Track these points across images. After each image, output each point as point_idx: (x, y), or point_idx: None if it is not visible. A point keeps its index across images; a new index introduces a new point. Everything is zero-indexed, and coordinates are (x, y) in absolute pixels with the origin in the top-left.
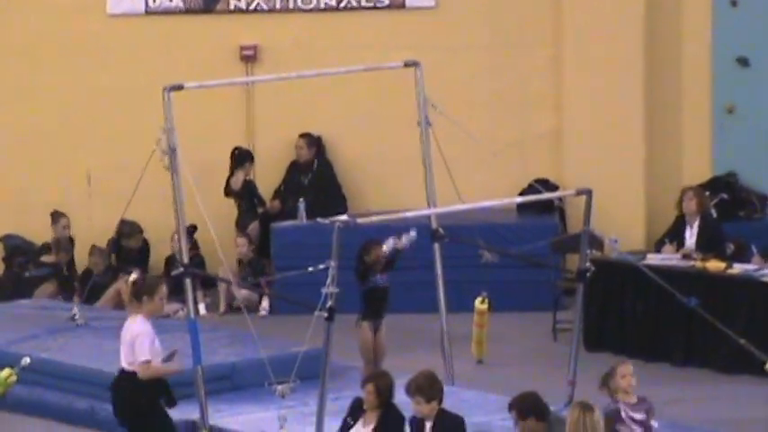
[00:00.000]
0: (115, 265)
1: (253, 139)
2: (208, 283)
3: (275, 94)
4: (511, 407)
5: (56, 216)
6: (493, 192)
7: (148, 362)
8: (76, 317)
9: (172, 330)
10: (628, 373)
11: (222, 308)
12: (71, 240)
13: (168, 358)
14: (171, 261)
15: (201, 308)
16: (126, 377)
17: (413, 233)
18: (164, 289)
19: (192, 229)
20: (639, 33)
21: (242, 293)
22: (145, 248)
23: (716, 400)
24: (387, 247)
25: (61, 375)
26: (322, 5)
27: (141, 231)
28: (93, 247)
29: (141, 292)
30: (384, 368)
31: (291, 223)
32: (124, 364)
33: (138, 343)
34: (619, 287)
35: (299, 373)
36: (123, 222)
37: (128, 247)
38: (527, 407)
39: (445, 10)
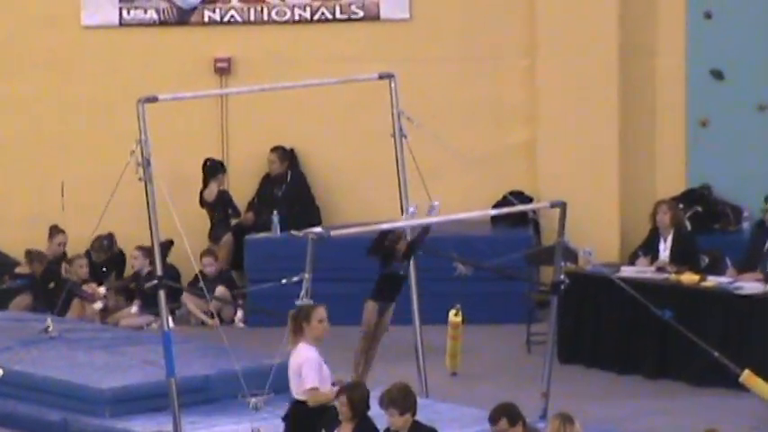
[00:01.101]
0: (88, 278)
1: (226, 151)
2: (176, 297)
3: (249, 106)
4: (497, 417)
5: (53, 232)
6: (467, 203)
7: (316, 388)
8: (50, 329)
9: (145, 342)
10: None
11: (193, 321)
12: (64, 256)
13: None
14: (137, 276)
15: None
16: (298, 406)
17: (436, 203)
18: (321, 311)
19: (168, 245)
20: (614, 45)
21: (214, 305)
22: (120, 258)
23: (690, 413)
24: (406, 216)
25: (34, 387)
26: (296, 17)
27: (114, 244)
28: (69, 258)
29: (299, 321)
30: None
31: (265, 235)
32: (294, 394)
33: (305, 370)
34: (593, 299)
35: (273, 385)
36: (97, 238)
37: (101, 260)
38: (516, 413)
39: (419, 22)
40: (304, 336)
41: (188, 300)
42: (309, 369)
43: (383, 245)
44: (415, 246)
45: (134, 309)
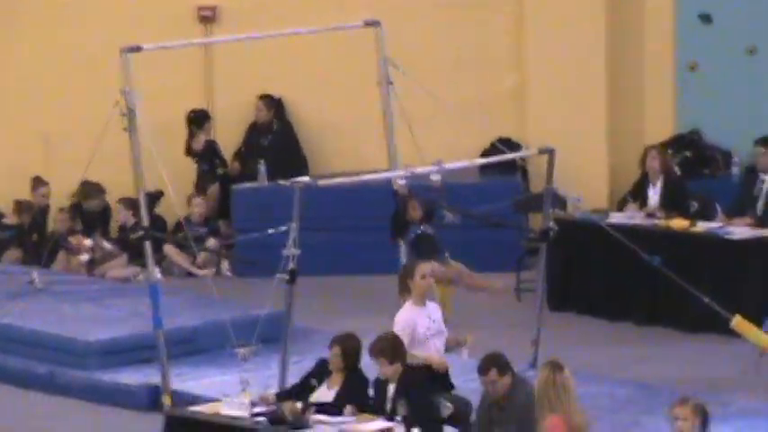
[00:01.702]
0: (79, 228)
1: (212, 101)
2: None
3: (234, 55)
4: (486, 368)
5: (36, 183)
6: (455, 151)
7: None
8: (35, 282)
9: (132, 295)
10: (681, 416)
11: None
12: (48, 208)
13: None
14: (122, 228)
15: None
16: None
17: (438, 168)
18: (424, 267)
19: (158, 195)
20: None
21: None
22: (106, 210)
23: (681, 360)
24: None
25: (20, 340)
26: None
27: (103, 192)
28: (56, 209)
29: (404, 278)
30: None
31: (252, 185)
32: None
33: (398, 331)
34: (582, 246)
35: (261, 336)
36: (84, 184)
37: (89, 209)
38: (505, 363)
39: None
40: (410, 293)
41: (171, 251)
42: (402, 331)
43: (403, 223)
44: (432, 208)
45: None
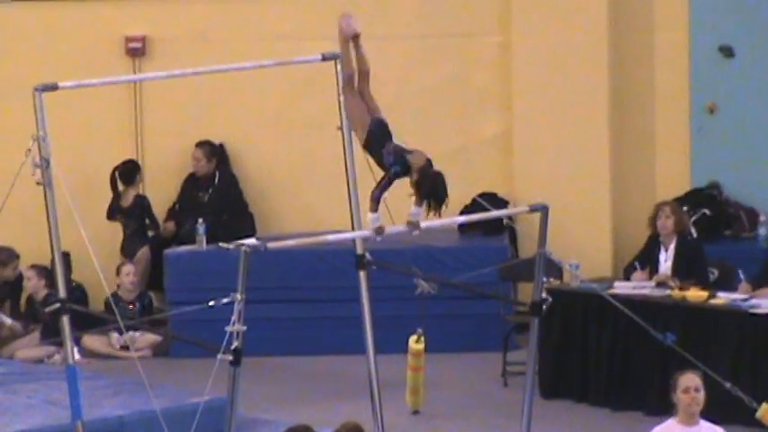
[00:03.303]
0: None
1: (141, 148)
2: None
3: (167, 93)
4: None
5: None
6: None
7: None
8: None
9: (46, 379)
10: (692, 385)
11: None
12: None
13: None
14: (30, 300)
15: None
16: None
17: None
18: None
19: (64, 257)
20: (604, 17)
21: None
22: (18, 281)
23: None
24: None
25: None
26: None
27: (17, 258)
28: None
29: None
30: (304, 421)
31: (189, 248)
32: None
33: None
34: (581, 321)
35: (200, 428)
36: None
37: (1, 278)
38: None
39: None
40: None
41: (89, 340)
42: None
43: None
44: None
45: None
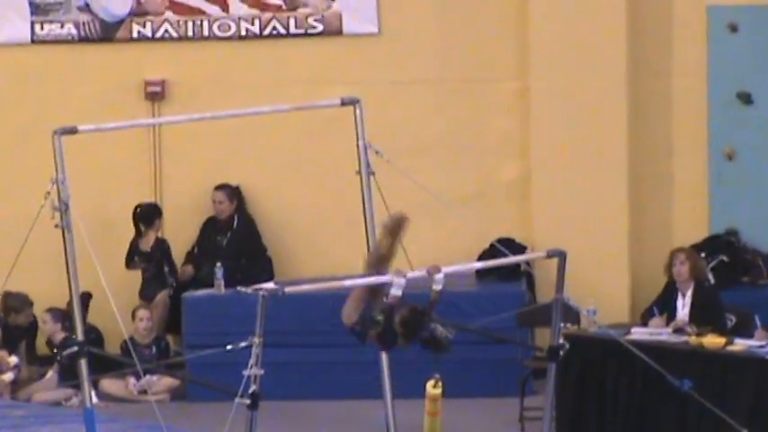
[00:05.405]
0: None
1: (160, 192)
2: (100, 365)
3: (186, 137)
4: None
5: None
6: (448, 254)
7: None
8: None
9: (64, 422)
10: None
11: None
12: None
13: None
14: (50, 342)
15: (93, 395)
16: None
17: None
18: None
19: (86, 298)
20: (622, 63)
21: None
22: (33, 325)
23: None
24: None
25: None
26: (242, 32)
27: (31, 305)
28: None
29: None
30: None
31: (207, 292)
32: None
33: None
34: (598, 367)
35: None
36: (9, 295)
37: (15, 324)
38: None
39: (390, 38)
40: None
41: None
42: None
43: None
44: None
45: (49, 374)
